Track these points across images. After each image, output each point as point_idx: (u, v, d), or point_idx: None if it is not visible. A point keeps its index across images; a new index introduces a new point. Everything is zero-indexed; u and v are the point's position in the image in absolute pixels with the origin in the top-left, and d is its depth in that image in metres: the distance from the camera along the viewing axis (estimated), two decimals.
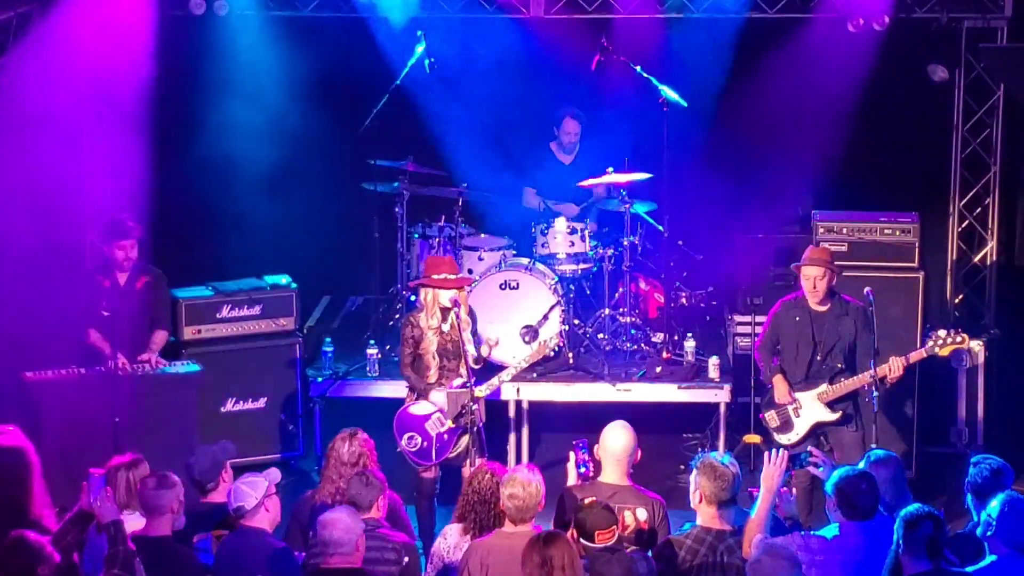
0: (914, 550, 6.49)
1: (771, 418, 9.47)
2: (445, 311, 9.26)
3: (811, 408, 9.35)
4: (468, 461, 9.11)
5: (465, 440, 9.20)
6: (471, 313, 9.49)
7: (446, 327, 9.30)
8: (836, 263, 9.45)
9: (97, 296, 9.95)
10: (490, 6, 11.87)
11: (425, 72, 11.36)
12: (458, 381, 9.25)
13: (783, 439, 9.39)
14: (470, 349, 9.26)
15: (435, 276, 9.30)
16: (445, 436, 9.29)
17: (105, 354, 9.79)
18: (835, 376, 9.30)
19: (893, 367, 9.13)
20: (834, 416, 9.32)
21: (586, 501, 7.05)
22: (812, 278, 9.32)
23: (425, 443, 9.30)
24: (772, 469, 7.06)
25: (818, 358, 9.35)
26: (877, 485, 7.03)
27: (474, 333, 9.51)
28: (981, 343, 11.02)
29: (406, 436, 9.33)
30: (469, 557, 7.04)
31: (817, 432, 9.40)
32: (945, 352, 9.28)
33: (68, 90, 10.64)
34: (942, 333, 9.19)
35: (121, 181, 12.13)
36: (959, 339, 9.17)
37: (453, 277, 9.30)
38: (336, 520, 6.84)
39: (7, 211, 10.29)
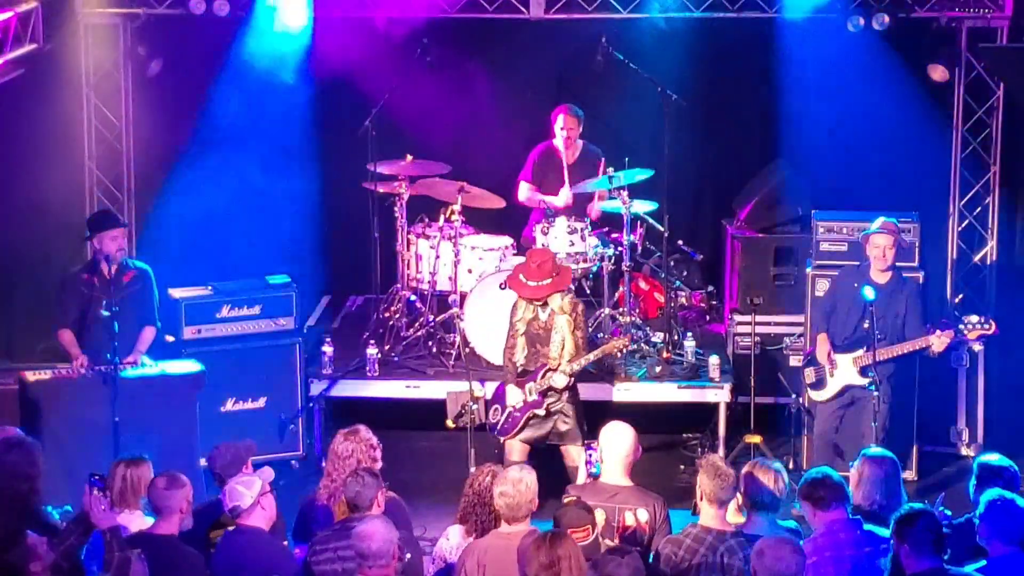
0: (918, 547, 6.45)
1: (808, 374, 10.07)
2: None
3: (845, 371, 9.79)
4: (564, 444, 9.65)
5: (548, 426, 9.63)
6: (575, 310, 9.67)
7: (543, 315, 9.61)
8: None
9: (78, 295, 9.92)
10: (490, 6, 11.87)
11: (425, 72, 11.35)
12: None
13: (816, 395, 10.05)
14: (568, 345, 9.56)
15: (520, 276, 9.64)
16: (517, 414, 9.63)
17: (71, 356, 9.78)
18: (871, 344, 9.49)
19: (935, 344, 9.59)
20: (863, 381, 9.65)
21: (565, 500, 7.08)
22: (882, 247, 9.79)
23: (500, 416, 9.74)
24: None
25: (864, 325, 9.61)
26: (839, 484, 7.02)
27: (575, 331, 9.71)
28: (980, 343, 11.03)
29: (493, 408, 9.79)
30: (466, 558, 7.03)
31: (846, 391, 9.88)
32: (973, 336, 9.67)
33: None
34: (974, 318, 9.63)
35: (120, 182, 12.22)
36: (987, 326, 9.57)
37: (533, 284, 9.53)
38: (373, 532, 6.53)
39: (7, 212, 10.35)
